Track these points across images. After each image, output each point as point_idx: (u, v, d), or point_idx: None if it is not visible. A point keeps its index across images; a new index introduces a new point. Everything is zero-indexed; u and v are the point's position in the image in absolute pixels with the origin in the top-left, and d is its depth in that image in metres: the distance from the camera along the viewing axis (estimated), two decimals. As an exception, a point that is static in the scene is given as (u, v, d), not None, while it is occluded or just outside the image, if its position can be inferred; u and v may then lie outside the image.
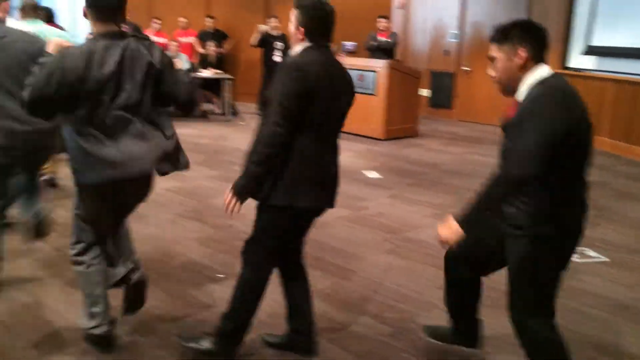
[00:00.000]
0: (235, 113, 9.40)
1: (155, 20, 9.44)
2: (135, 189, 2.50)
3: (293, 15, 2.33)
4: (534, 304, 2.12)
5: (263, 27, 9.03)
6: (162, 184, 3.80)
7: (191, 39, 9.80)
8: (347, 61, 8.14)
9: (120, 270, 2.65)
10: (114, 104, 2.33)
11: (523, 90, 2.01)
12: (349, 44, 8.63)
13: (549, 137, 1.86)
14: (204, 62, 9.48)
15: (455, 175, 6.08)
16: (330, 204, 2.47)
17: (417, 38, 10.64)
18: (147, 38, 2.59)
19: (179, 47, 8.92)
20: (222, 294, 3.13)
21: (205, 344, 2.49)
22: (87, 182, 2.40)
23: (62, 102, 2.29)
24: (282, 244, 2.47)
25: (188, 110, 2.67)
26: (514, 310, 2.16)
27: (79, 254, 2.55)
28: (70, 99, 2.28)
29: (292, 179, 2.27)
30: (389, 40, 8.54)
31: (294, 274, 2.62)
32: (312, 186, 2.33)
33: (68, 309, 2.91)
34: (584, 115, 1.96)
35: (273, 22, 9.11)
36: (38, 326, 2.78)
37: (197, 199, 4.86)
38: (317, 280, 3.38)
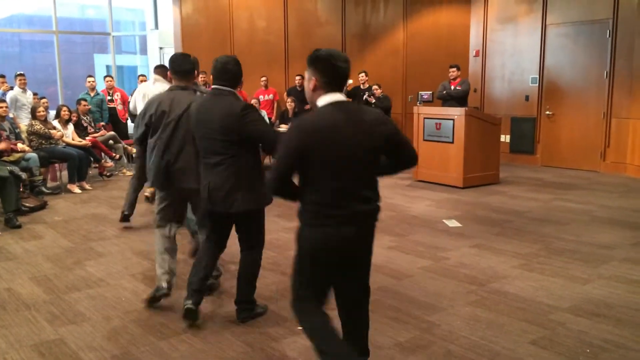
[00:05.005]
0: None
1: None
2: None
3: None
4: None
5: (349, 81, 9.75)
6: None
7: (271, 97, 10.22)
8: (424, 110, 8.17)
9: None
10: None
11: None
12: (425, 94, 8.68)
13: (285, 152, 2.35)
14: (283, 118, 9.80)
15: (543, 223, 5.79)
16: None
17: (495, 85, 10.50)
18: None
19: (259, 104, 9.31)
20: (302, 347, 3.11)
21: None
22: None
23: None
24: None
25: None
26: None
27: None
28: None
29: None
30: (458, 88, 8.57)
31: None
32: None
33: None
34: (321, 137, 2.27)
35: (363, 76, 10.02)
36: None
37: (276, 250, 4.93)
38: (398, 333, 3.28)
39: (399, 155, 2.48)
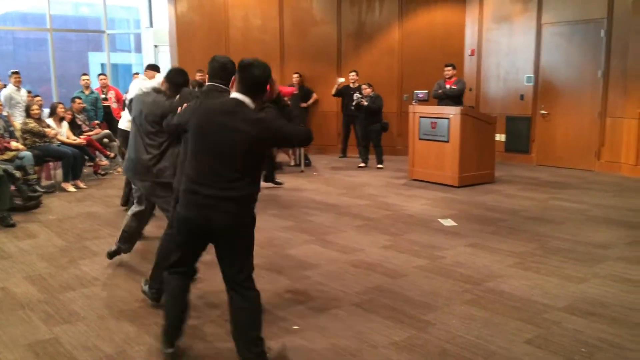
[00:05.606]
0: (308, 164, 9.57)
1: None
2: None
3: None
4: None
5: (340, 80, 10.14)
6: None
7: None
8: (419, 109, 8.18)
9: None
10: None
11: None
12: (421, 93, 8.69)
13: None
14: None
15: (538, 222, 5.80)
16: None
17: (491, 84, 10.51)
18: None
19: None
20: (298, 346, 3.11)
21: None
22: None
23: None
24: None
25: None
26: None
27: None
28: None
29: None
30: (454, 87, 8.59)
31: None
32: None
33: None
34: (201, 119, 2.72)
35: (353, 75, 10.00)
36: None
37: (272, 250, 4.92)
38: (393, 332, 3.29)
39: (291, 146, 2.84)
